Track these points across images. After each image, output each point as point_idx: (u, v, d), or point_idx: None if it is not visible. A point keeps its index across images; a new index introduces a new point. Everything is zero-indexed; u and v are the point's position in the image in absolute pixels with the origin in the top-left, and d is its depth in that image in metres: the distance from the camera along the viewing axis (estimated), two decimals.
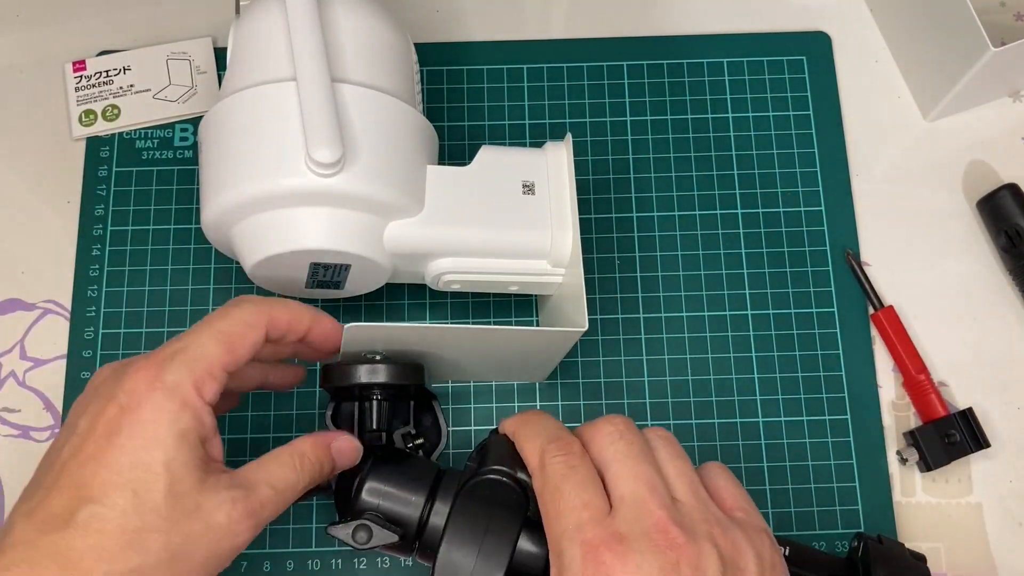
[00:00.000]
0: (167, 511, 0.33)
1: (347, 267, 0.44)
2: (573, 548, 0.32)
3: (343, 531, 0.37)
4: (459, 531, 0.35)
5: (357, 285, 0.47)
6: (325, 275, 0.45)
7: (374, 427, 0.43)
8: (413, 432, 0.44)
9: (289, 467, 0.37)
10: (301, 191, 0.41)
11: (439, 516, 0.37)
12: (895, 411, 0.51)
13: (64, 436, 0.35)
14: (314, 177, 0.41)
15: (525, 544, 0.35)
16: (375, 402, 0.43)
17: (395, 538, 0.37)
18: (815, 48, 0.57)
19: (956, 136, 0.56)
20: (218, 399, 0.36)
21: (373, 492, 0.38)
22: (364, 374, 0.41)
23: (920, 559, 0.41)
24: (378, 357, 0.43)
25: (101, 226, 0.53)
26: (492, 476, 0.36)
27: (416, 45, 0.56)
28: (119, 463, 0.33)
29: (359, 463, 0.40)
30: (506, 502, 0.36)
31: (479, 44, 0.57)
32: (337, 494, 0.41)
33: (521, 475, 0.36)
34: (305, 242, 0.42)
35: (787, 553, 0.39)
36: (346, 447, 0.40)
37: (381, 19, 0.46)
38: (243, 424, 0.50)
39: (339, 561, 0.48)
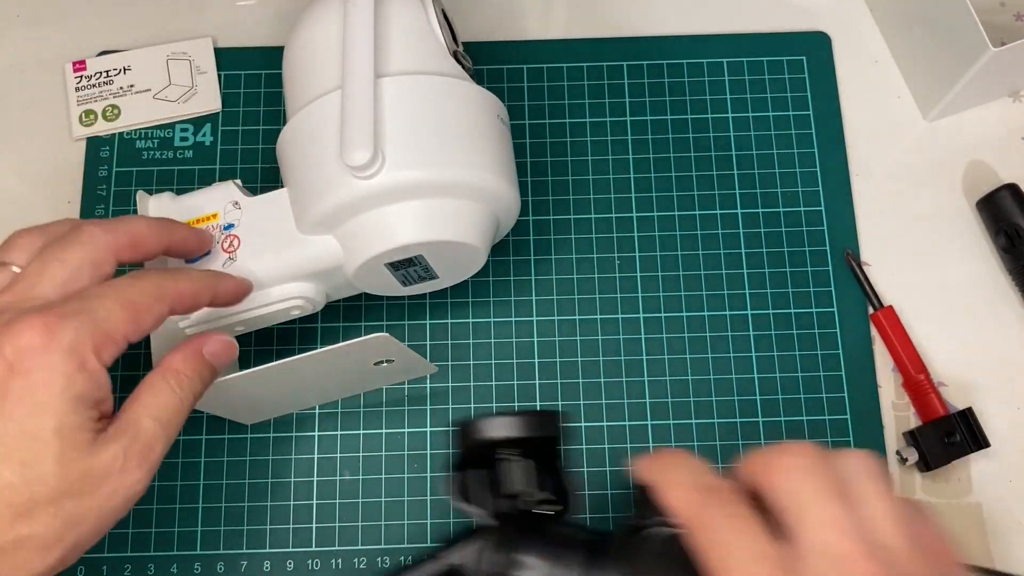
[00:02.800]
0: (57, 481, 0.31)
1: (419, 257, 0.43)
2: None
3: None
4: None
5: (455, 270, 0.46)
6: (408, 269, 0.44)
7: (515, 490, 0.36)
8: (551, 497, 0.36)
9: (167, 392, 0.35)
10: (350, 201, 0.41)
11: None
12: (895, 411, 0.51)
13: None
14: (358, 182, 0.40)
15: None
16: (513, 462, 0.36)
17: None
18: (815, 48, 0.57)
19: (956, 136, 0.56)
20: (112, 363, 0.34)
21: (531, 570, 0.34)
22: (523, 427, 0.35)
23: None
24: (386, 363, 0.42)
25: None
26: (664, 529, 0.31)
27: None
28: (5, 432, 0.31)
29: (482, 536, 0.35)
30: (683, 559, 0.30)
31: (480, 44, 0.57)
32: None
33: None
34: (372, 249, 0.42)
35: None
36: (219, 348, 0.37)
37: None
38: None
39: (339, 561, 0.48)
